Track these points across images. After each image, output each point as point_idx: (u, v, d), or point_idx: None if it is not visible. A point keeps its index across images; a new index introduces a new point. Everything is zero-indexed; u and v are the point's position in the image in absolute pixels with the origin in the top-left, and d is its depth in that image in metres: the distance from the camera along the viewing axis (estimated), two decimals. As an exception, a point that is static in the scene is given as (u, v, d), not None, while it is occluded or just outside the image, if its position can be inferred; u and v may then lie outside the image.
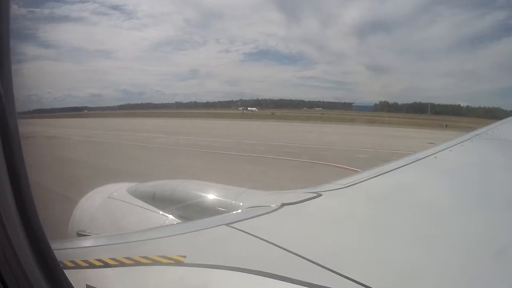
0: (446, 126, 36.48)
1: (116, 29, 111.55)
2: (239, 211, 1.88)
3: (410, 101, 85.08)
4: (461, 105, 75.59)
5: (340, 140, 21.00)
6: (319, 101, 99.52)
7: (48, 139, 23.95)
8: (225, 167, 12.23)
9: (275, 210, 1.61)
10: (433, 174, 2.65)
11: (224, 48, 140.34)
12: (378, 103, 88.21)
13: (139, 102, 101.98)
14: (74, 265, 1.14)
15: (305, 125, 38.42)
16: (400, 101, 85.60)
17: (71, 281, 0.94)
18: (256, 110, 76.97)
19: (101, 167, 11.02)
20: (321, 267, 1.04)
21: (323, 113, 71.37)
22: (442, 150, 3.32)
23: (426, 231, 1.42)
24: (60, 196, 6.40)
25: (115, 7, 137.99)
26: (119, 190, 2.57)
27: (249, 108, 79.30)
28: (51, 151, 17.43)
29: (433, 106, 76.62)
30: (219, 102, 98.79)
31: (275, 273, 1.01)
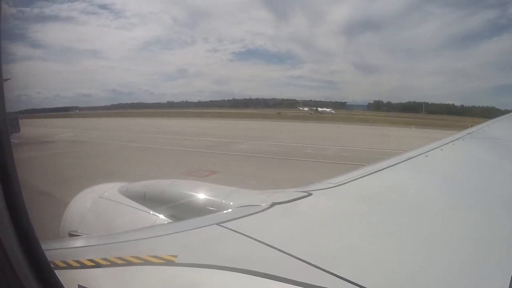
0: (471, 127, 37.01)
1: (105, 29, 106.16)
2: (230, 210, 1.85)
3: (400, 100, 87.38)
4: (455, 104, 78.95)
5: (415, 144, 19.65)
6: (310, 100, 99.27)
7: (75, 144, 19.76)
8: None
9: (266, 209, 1.62)
10: (424, 172, 2.67)
11: (212, 47, 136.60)
12: (372, 102, 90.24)
13: (129, 102, 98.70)
14: (66, 265, 1.14)
15: (347, 126, 36.31)
16: (390, 100, 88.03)
17: (63, 281, 0.96)
18: (333, 111, 60.47)
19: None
20: (312, 266, 1.04)
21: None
22: (434, 149, 3.35)
23: (417, 229, 1.43)
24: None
25: (104, 6, 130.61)
26: (110, 190, 2.55)
27: (319, 109, 62.36)
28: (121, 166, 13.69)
29: (427, 105, 79.71)
30: (211, 101, 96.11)
31: (266, 272, 1.00)
